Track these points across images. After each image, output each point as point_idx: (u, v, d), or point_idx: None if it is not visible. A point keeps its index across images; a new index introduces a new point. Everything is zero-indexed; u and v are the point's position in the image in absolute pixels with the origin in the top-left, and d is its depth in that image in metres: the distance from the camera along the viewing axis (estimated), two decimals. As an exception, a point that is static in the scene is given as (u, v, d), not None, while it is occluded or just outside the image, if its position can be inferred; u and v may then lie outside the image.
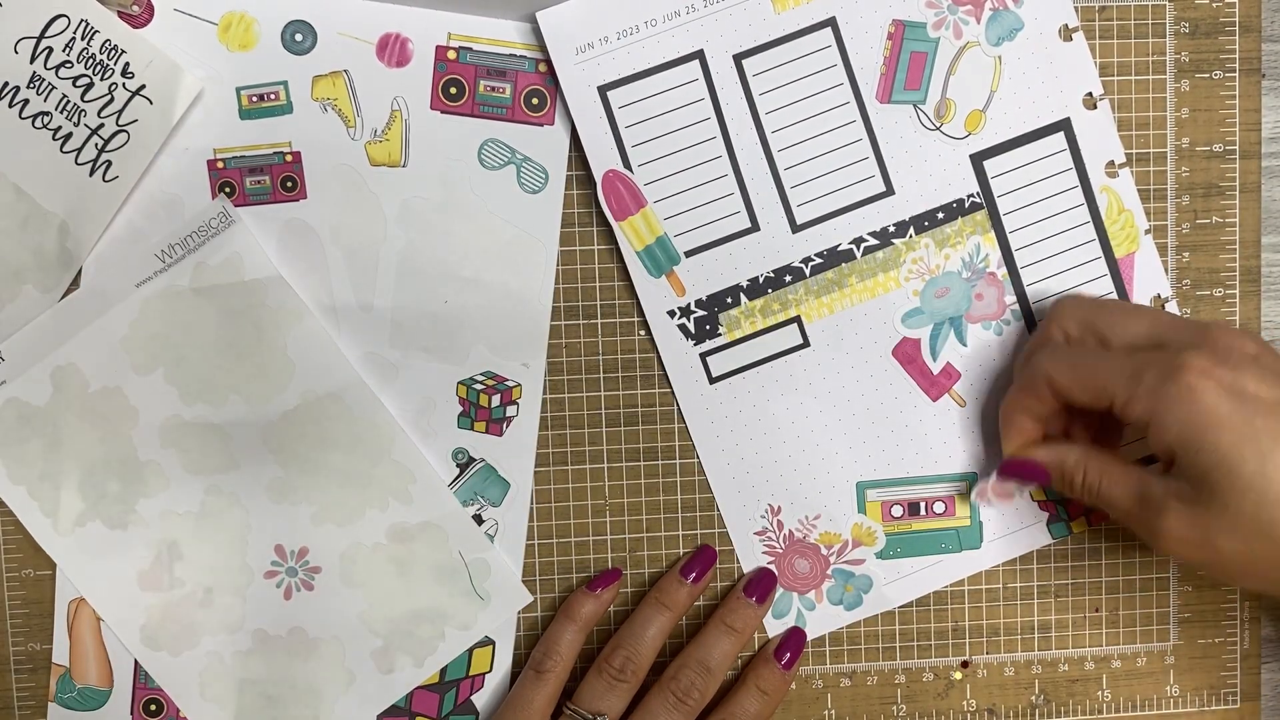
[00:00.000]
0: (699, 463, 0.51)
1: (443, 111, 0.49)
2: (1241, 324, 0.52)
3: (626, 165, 0.49)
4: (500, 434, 0.51)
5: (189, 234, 0.48)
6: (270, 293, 0.49)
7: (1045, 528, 0.52)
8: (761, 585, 0.51)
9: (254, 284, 0.49)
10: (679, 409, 0.51)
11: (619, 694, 0.49)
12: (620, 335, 0.51)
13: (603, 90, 0.49)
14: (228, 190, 0.49)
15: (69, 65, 0.47)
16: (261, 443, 0.50)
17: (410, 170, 0.49)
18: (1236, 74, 0.51)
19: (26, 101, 0.47)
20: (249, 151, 0.49)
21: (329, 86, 0.48)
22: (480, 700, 0.52)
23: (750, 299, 0.50)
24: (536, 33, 0.48)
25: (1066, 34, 0.50)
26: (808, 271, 0.50)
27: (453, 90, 0.49)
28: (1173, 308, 0.52)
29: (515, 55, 0.49)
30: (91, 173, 0.47)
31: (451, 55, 0.49)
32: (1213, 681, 0.54)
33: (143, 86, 0.47)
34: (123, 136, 0.47)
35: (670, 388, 0.51)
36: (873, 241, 0.50)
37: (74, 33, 0.47)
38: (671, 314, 0.50)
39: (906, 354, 0.51)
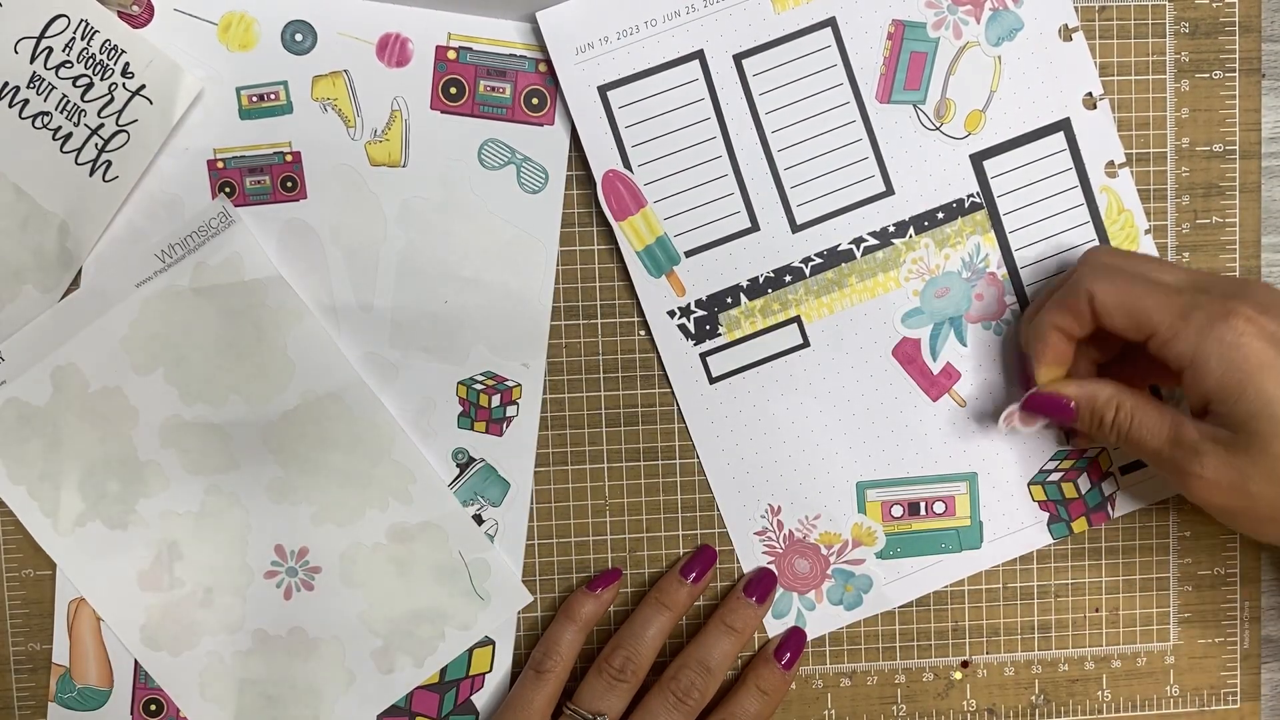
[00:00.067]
0: (699, 463, 0.51)
1: (443, 111, 0.49)
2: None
3: (626, 165, 0.49)
4: (500, 434, 0.51)
5: (189, 234, 0.48)
6: (270, 293, 0.49)
7: (1045, 528, 0.52)
8: (761, 585, 0.51)
9: (254, 284, 0.49)
10: (679, 409, 0.51)
11: (619, 694, 0.49)
12: (620, 335, 0.51)
13: (603, 90, 0.49)
14: (228, 190, 0.49)
15: (69, 65, 0.47)
16: (261, 443, 0.50)
17: (410, 170, 0.49)
18: (1236, 74, 0.51)
19: (26, 101, 0.47)
20: (249, 151, 0.49)
21: (329, 86, 0.48)
22: (480, 700, 0.52)
23: (750, 299, 0.50)
24: (536, 33, 0.48)
25: (1066, 34, 0.50)
26: (808, 271, 0.50)
27: (453, 90, 0.49)
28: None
29: (515, 55, 0.49)
30: (91, 173, 0.47)
31: (451, 55, 0.49)
32: (1213, 681, 0.54)
33: (143, 86, 0.47)
34: (123, 136, 0.47)
35: (670, 388, 0.51)
36: (873, 241, 0.50)
37: (74, 33, 0.47)
38: (671, 314, 0.50)
39: (906, 354, 0.51)
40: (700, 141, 0.49)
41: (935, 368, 0.51)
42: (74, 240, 0.48)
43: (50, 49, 0.47)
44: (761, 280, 0.50)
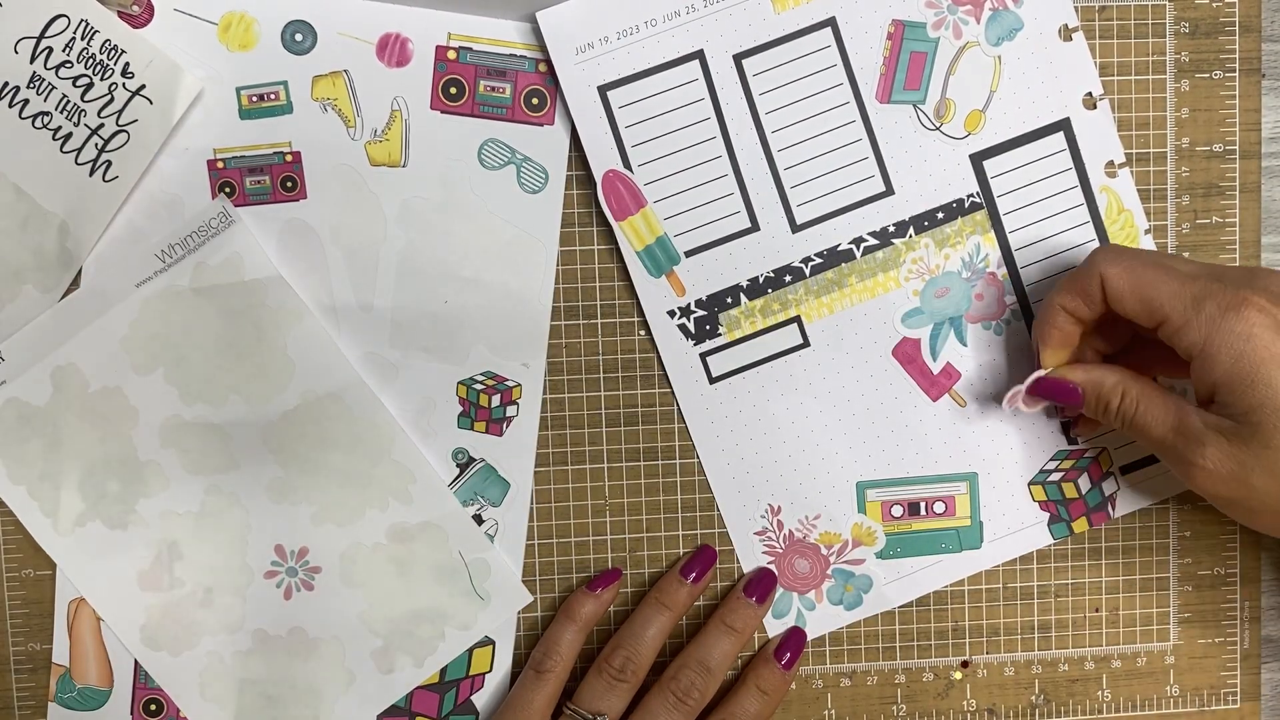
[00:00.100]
0: (699, 463, 0.51)
1: (443, 111, 0.49)
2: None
3: (626, 165, 0.49)
4: (500, 434, 0.51)
5: (189, 234, 0.48)
6: (270, 293, 0.49)
7: (1045, 528, 0.52)
8: (761, 585, 0.51)
9: (254, 284, 0.49)
10: (679, 409, 0.51)
11: (619, 694, 0.49)
12: (620, 335, 0.51)
13: (603, 90, 0.49)
14: (228, 190, 0.49)
15: (69, 65, 0.47)
16: (261, 443, 0.50)
17: (410, 170, 0.49)
18: (1236, 74, 0.51)
19: (26, 101, 0.47)
20: (249, 151, 0.49)
21: (329, 86, 0.48)
22: (480, 700, 0.52)
23: (750, 299, 0.50)
24: (536, 33, 0.48)
25: (1066, 34, 0.50)
26: (808, 271, 0.50)
27: (453, 90, 0.49)
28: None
29: (515, 55, 0.49)
30: (91, 173, 0.47)
31: (451, 55, 0.49)
32: (1213, 681, 0.54)
33: (143, 86, 0.47)
34: (123, 136, 0.47)
35: (670, 388, 0.51)
36: (873, 241, 0.50)
37: (74, 33, 0.47)
38: (671, 314, 0.50)
39: (906, 354, 0.51)
40: (700, 141, 0.49)
41: (935, 368, 0.51)
42: (74, 240, 0.48)
43: (50, 49, 0.47)
44: (761, 280, 0.50)
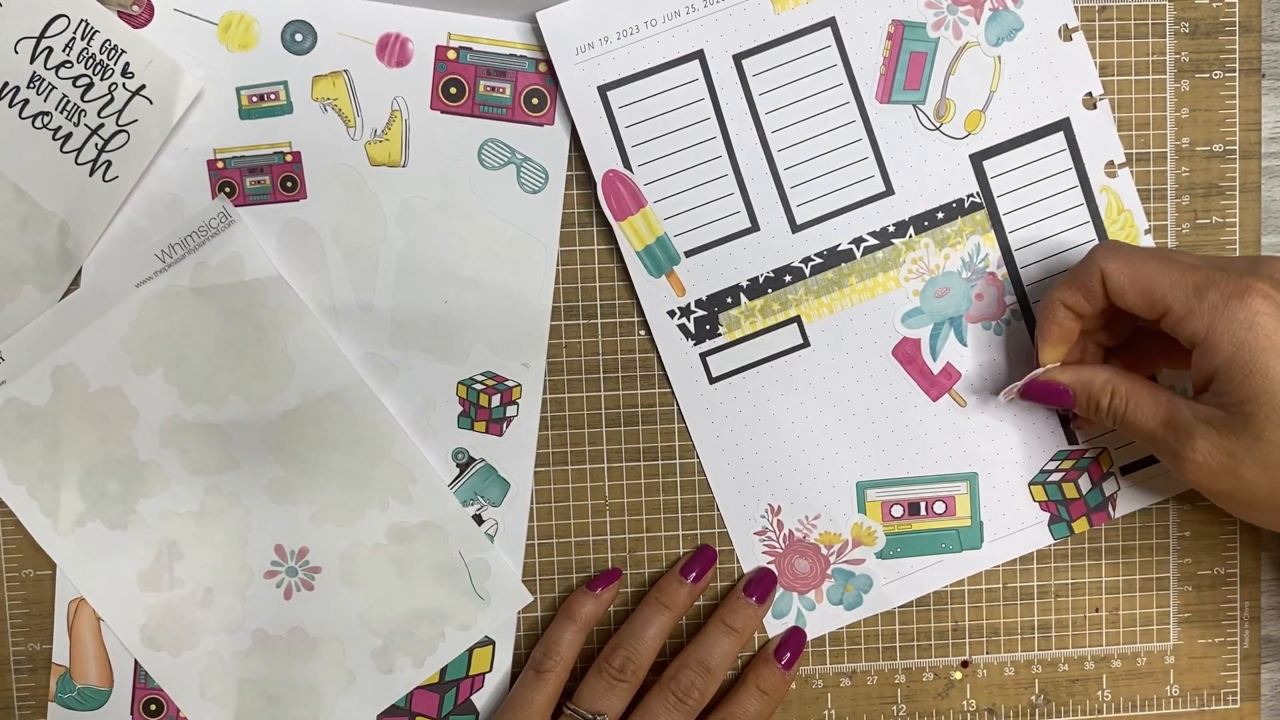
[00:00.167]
0: (699, 463, 0.51)
1: (443, 111, 0.49)
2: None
3: (626, 165, 0.49)
4: (500, 434, 0.51)
5: (189, 234, 0.48)
6: (270, 293, 0.49)
7: (1045, 528, 0.52)
8: (761, 585, 0.51)
9: (254, 284, 0.49)
10: (679, 409, 0.51)
11: (619, 694, 0.49)
12: (620, 335, 0.51)
13: (603, 90, 0.49)
14: (228, 190, 0.49)
15: (69, 65, 0.47)
16: (261, 443, 0.50)
17: (410, 170, 0.49)
18: (1236, 74, 0.51)
19: (26, 101, 0.47)
20: (249, 151, 0.49)
21: (329, 86, 0.48)
22: (480, 700, 0.52)
23: (750, 299, 0.50)
24: (536, 33, 0.48)
25: (1066, 34, 0.50)
26: (808, 271, 0.50)
27: (453, 90, 0.49)
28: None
29: (515, 55, 0.49)
30: (91, 173, 0.47)
31: (451, 55, 0.49)
32: (1213, 681, 0.54)
33: (143, 86, 0.47)
34: (123, 136, 0.47)
35: (670, 388, 0.51)
36: (872, 241, 0.50)
37: (74, 33, 0.47)
38: (671, 314, 0.50)
39: (906, 354, 0.51)
40: (700, 141, 0.49)
41: (935, 368, 0.51)
42: (74, 240, 0.48)
43: (50, 49, 0.47)
44: (761, 280, 0.50)
